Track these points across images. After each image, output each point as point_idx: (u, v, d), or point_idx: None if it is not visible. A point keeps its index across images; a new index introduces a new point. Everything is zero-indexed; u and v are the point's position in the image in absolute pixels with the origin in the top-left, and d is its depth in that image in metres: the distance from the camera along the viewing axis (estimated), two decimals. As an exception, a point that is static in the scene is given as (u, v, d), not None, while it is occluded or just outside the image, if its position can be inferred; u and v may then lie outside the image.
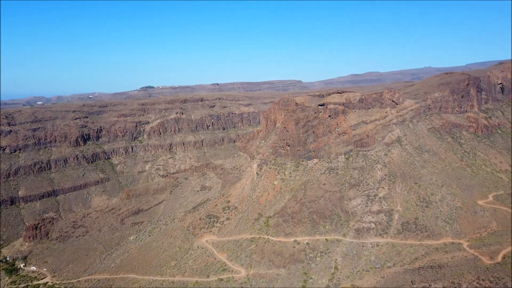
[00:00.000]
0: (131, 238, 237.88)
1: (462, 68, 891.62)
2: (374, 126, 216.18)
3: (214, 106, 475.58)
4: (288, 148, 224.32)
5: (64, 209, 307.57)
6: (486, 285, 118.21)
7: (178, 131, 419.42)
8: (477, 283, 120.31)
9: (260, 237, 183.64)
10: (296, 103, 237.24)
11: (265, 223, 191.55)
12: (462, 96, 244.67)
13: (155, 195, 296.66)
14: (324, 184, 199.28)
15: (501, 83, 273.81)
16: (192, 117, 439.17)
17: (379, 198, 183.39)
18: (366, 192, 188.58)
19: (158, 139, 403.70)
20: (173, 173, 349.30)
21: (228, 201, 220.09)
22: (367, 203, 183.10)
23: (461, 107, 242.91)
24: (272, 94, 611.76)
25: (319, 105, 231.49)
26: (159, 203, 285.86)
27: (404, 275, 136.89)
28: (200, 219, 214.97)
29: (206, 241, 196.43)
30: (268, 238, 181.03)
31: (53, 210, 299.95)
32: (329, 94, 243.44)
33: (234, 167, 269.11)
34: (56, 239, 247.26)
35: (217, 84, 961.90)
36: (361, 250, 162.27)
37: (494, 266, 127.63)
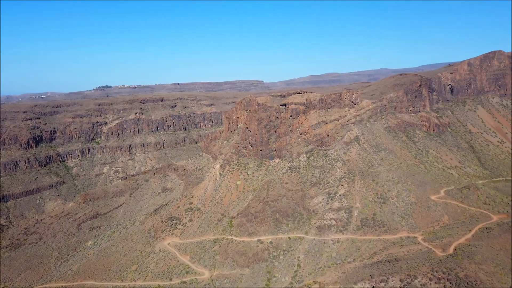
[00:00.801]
0: (89, 243, 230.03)
1: (415, 69, 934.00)
2: (333, 125, 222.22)
3: (175, 106, 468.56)
4: (251, 148, 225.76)
5: (15, 215, 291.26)
6: (439, 276, 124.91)
7: (138, 132, 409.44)
8: (431, 274, 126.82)
9: (223, 238, 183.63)
10: (258, 103, 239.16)
11: (228, 223, 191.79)
12: (415, 97, 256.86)
13: (114, 198, 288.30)
14: (287, 183, 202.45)
15: (450, 84, 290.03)
16: (152, 117, 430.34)
17: (339, 195, 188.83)
18: (327, 190, 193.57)
19: (116, 140, 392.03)
20: (133, 175, 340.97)
21: (191, 203, 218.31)
22: (328, 200, 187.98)
23: (414, 107, 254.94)
24: (234, 94, 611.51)
25: (280, 105, 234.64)
26: (118, 206, 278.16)
27: (364, 269, 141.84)
28: (161, 221, 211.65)
29: (169, 243, 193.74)
30: (231, 238, 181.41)
31: (3, 217, 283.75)
32: (290, 95, 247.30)
33: (196, 168, 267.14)
34: (6, 247, 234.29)
35: (178, 84, 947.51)
36: (323, 247, 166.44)
37: (446, 258, 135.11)
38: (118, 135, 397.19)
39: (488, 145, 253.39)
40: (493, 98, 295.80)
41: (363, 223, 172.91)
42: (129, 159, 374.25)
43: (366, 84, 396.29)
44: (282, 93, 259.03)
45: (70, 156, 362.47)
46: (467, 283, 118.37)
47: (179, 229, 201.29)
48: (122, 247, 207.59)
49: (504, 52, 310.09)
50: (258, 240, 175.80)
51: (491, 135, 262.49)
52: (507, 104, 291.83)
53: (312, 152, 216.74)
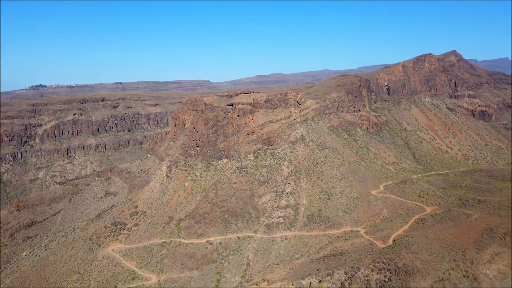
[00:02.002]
0: (24, 254, 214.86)
1: (355, 70, 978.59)
2: (280, 125, 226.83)
3: (117, 106, 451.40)
4: (198, 148, 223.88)
5: None
6: (380, 267, 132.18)
7: (77, 134, 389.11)
8: (373, 265, 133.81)
9: (171, 241, 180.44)
10: (205, 103, 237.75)
11: (176, 226, 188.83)
12: (356, 97, 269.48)
13: (51, 204, 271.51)
14: (235, 183, 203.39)
15: (387, 85, 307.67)
16: (93, 118, 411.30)
17: (287, 193, 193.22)
18: (275, 188, 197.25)
19: (53, 143, 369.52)
20: (72, 180, 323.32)
21: (136, 206, 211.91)
22: (275, 199, 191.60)
23: (355, 107, 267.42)
24: (180, 94, 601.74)
25: (227, 105, 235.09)
26: (56, 213, 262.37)
27: (311, 264, 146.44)
28: (105, 227, 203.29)
29: (113, 250, 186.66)
30: (179, 241, 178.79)
31: None
32: (237, 95, 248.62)
33: (141, 170, 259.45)
34: None
35: (120, 83, 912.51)
36: (271, 244, 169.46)
37: (386, 249, 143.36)
38: (55, 137, 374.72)
39: (421, 142, 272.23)
40: (425, 98, 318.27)
41: (309, 220, 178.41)
42: (67, 163, 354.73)
43: (310, 84, 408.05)
44: (229, 93, 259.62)
45: (0, 160, 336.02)
46: (405, 271, 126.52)
47: (124, 234, 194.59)
48: (62, 256, 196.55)
49: (434, 55, 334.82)
50: (207, 241, 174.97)
51: (424, 133, 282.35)
52: (437, 104, 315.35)
53: (260, 151, 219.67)
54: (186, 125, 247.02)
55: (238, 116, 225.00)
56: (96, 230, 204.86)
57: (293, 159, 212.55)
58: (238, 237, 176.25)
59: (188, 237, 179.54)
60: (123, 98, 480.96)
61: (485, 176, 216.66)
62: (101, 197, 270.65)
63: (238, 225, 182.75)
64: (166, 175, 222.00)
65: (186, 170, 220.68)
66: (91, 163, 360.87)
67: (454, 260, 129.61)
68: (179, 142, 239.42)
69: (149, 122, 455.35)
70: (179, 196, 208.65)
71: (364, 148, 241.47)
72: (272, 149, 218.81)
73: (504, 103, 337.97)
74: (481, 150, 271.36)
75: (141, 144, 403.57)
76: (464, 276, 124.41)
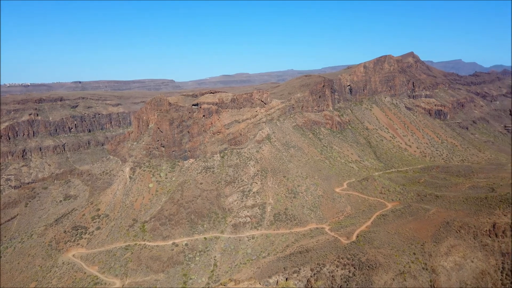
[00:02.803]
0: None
1: (319, 71, 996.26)
2: (246, 124, 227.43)
3: (77, 106, 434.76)
4: (163, 149, 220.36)
5: None
6: (345, 262, 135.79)
7: (33, 135, 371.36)
8: (337, 261, 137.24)
9: (135, 244, 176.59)
10: (170, 103, 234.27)
11: (140, 228, 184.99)
12: (320, 97, 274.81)
13: (6, 209, 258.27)
14: (201, 183, 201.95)
15: (349, 85, 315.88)
16: (51, 118, 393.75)
17: (253, 193, 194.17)
18: (241, 188, 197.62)
19: (7, 145, 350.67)
20: (28, 183, 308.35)
21: (98, 209, 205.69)
22: (242, 198, 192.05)
23: (319, 106, 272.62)
24: (144, 94, 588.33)
25: (193, 105, 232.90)
26: (11, 218, 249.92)
27: (278, 262, 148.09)
28: (64, 232, 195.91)
29: (73, 255, 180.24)
30: (144, 243, 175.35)
31: None
32: (203, 94, 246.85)
33: (103, 172, 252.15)
34: None
35: (80, 82, 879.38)
36: (239, 244, 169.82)
37: (350, 245, 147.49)
38: (9, 139, 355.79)
39: (382, 140, 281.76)
40: (385, 97, 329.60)
41: (276, 218, 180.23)
42: (23, 165, 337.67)
43: (275, 84, 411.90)
44: (194, 93, 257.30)
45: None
46: (368, 266, 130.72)
47: (85, 238, 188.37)
48: (18, 263, 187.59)
49: (393, 56, 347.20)
50: (173, 243, 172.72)
51: (384, 131, 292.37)
52: (396, 103, 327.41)
53: (226, 151, 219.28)
54: (150, 125, 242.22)
55: (203, 116, 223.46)
56: (55, 235, 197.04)
57: (259, 158, 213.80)
58: (205, 238, 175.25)
59: (153, 240, 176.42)
60: (83, 98, 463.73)
61: (441, 172, 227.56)
62: (60, 201, 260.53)
63: (205, 225, 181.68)
64: (130, 176, 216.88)
65: (151, 171, 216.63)
66: (49, 165, 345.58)
67: (414, 253, 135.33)
68: (143, 143, 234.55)
69: (111, 122, 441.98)
70: (143, 198, 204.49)
71: (328, 146, 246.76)
72: (238, 148, 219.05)
73: (458, 103, 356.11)
74: (437, 147, 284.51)
75: (102, 145, 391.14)
76: (423, 268, 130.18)
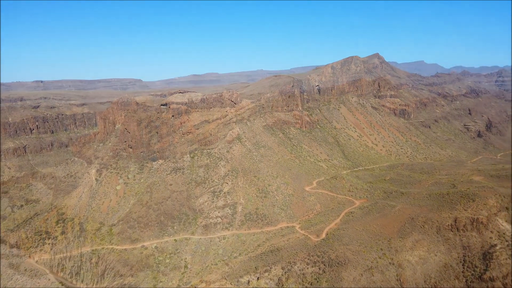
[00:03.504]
0: None
1: (288, 71, 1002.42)
2: (216, 124, 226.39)
3: (38, 106, 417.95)
4: (131, 150, 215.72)
5: None
6: (315, 260, 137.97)
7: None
8: (308, 259, 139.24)
9: (103, 248, 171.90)
10: (137, 103, 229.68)
11: (108, 232, 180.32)
12: (289, 97, 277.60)
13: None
14: (171, 184, 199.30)
15: (318, 85, 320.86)
16: (10, 119, 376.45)
17: (224, 193, 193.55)
18: (212, 188, 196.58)
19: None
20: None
21: (63, 213, 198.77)
22: (213, 199, 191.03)
23: (288, 106, 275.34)
24: (110, 93, 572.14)
25: (161, 105, 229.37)
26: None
27: (249, 262, 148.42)
28: (26, 237, 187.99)
29: (37, 261, 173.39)
30: (112, 247, 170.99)
31: None
32: (171, 94, 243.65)
33: (67, 174, 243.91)
34: None
35: (41, 82, 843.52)
36: (210, 245, 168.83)
37: (320, 242, 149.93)
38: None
39: (349, 139, 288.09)
40: (352, 97, 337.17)
41: (247, 218, 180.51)
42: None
43: (245, 84, 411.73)
44: (162, 93, 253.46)
45: None
46: (337, 263, 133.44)
47: (49, 243, 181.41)
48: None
49: (359, 57, 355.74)
50: (142, 246, 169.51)
51: (352, 130, 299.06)
52: (363, 103, 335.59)
53: (196, 151, 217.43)
54: (117, 126, 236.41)
55: (172, 116, 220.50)
56: (16, 241, 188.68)
57: (229, 158, 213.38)
58: (175, 240, 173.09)
59: (121, 243, 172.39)
60: (45, 98, 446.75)
61: (406, 169, 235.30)
62: (21, 205, 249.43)
63: (175, 227, 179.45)
64: (96, 179, 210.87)
65: (118, 173, 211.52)
66: (9, 168, 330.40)
67: (381, 249, 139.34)
68: (110, 144, 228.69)
69: (75, 123, 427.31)
70: (110, 200, 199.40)
71: (298, 146, 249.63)
72: (209, 149, 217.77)
73: (421, 102, 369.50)
74: (402, 146, 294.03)
75: (66, 146, 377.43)
76: (390, 263, 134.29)
